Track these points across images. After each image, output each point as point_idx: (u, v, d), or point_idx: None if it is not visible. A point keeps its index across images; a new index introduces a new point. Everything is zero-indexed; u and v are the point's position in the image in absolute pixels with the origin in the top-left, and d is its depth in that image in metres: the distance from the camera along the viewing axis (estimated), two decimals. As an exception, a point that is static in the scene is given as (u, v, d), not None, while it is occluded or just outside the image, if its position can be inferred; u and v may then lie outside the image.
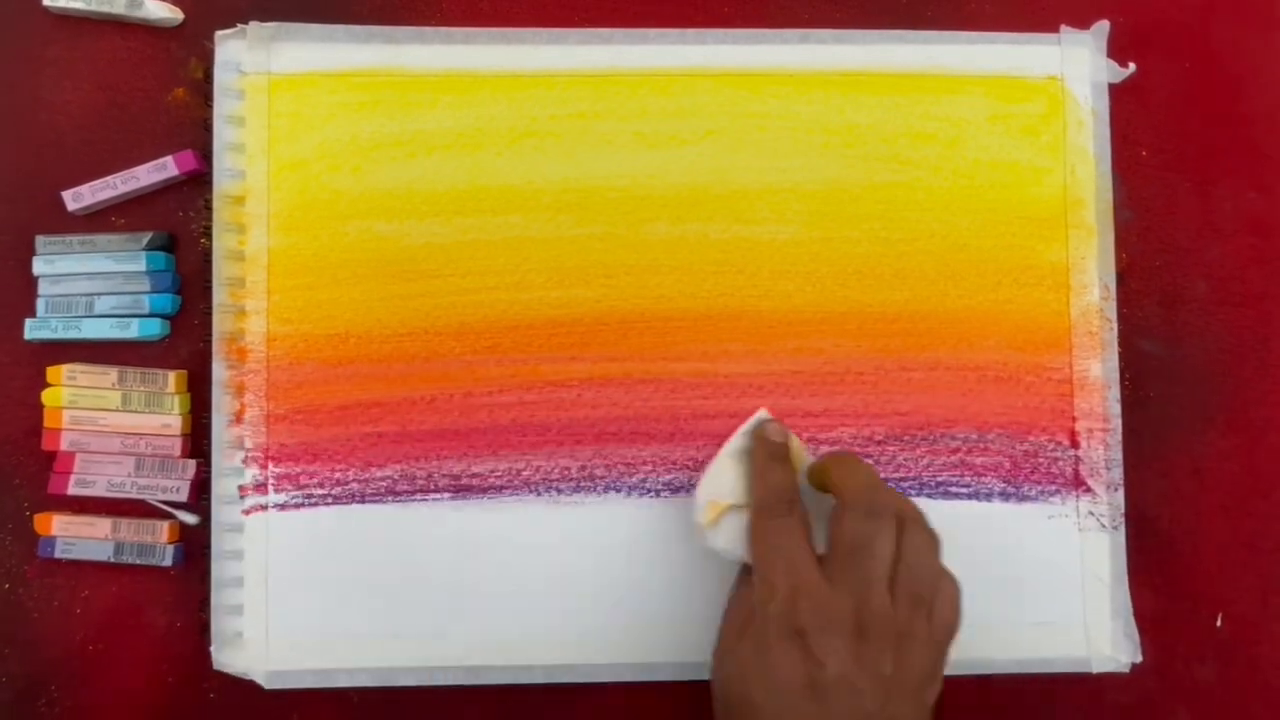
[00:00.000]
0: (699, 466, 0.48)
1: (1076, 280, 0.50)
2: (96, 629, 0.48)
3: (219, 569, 0.48)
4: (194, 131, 0.49)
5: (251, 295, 0.48)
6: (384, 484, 0.48)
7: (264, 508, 0.48)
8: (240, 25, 0.49)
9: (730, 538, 0.45)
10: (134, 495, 0.48)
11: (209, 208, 0.49)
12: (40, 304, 0.48)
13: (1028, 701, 0.49)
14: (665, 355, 0.49)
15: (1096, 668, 0.49)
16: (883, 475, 0.49)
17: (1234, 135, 0.52)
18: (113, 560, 0.48)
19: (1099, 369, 0.50)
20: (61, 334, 0.48)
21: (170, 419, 0.48)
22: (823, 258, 0.49)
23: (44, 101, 0.49)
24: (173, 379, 0.48)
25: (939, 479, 0.49)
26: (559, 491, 0.48)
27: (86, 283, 0.48)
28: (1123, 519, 0.50)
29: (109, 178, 0.48)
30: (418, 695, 0.48)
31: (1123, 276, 0.51)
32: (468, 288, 0.49)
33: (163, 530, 0.48)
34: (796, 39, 0.50)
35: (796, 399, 0.49)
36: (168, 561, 0.48)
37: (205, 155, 0.49)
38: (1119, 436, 0.50)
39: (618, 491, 0.48)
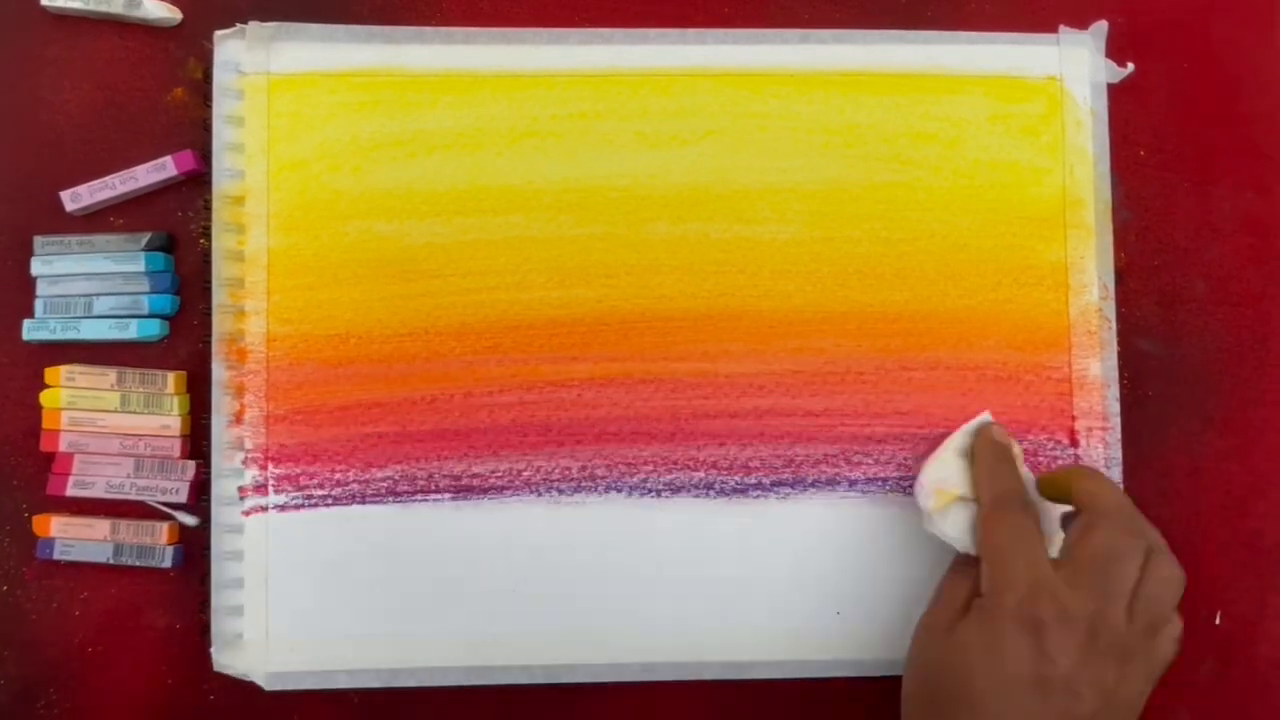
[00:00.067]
0: (700, 466, 0.48)
1: (1075, 280, 0.50)
2: (96, 631, 0.48)
3: (219, 570, 0.47)
4: (193, 131, 0.49)
5: (251, 295, 0.48)
6: (384, 485, 0.48)
7: (264, 509, 0.48)
8: (239, 25, 0.49)
9: (957, 526, 0.45)
10: (133, 496, 0.48)
11: (208, 208, 0.48)
12: (38, 305, 0.48)
13: (1028, 701, 0.50)
14: (666, 355, 0.49)
15: (1097, 667, 0.49)
16: (884, 475, 0.49)
17: (1232, 135, 0.52)
18: (112, 562, 0.47)
19: (1098, 368, 0.50)
20: (60, 335, 0.48)
21: (169, 420, 0.48)
22: (823, 258, 0.49)
23: (42, 101, 0.49)
24: (172, 380, 0.48)
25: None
26: (560, 492, 0.48)
27: (85, 283, 0.48)
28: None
29: (108, 178, 0.48)
30: (418, 696, 0.48)
31: (1121, 276, 0.51)
32: (468, 288, 0.49)
33: (162, 531, 0.48)
34: (796, 39, 0.50)
35: (797, 399, 0.49)
36: (167, 563, 0.48)
37: (204, 155, 0.49)
38: (1118, 435, 0.50)
39: (619, 491, 0.48)
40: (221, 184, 0.48)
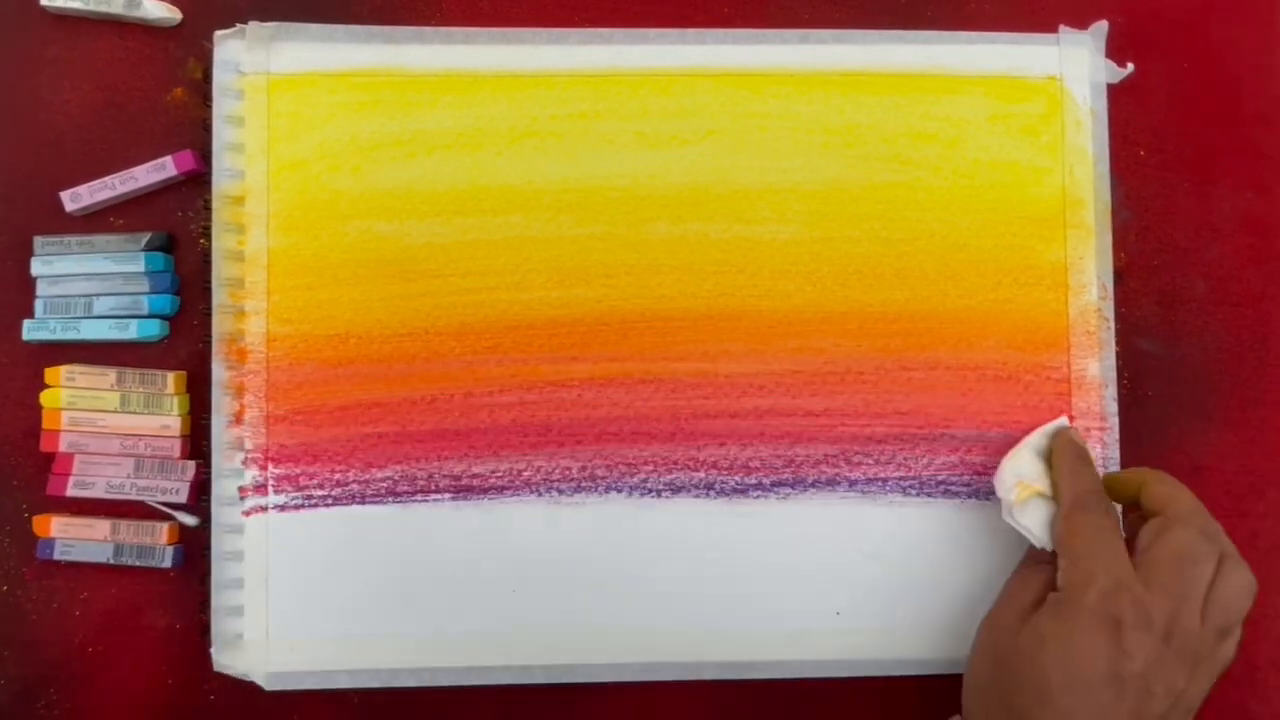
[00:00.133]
0: (700, 466, 0.48)
1: (1075, 280, 0.50)
2: (96, 631, 0.48)
3: (219, 570, 0.47)
4: (193, 131, 0.49)
5: (251, 296, 0.48)
6: (384, 485, 0.48)
7: (264, 509, 0.48)
8: (239, 25, 0.49)
9: (1036, 521, 0.46)
10: (133, 497, 0.48)
11: (208, 208, 0.48)
12: (38, 305, 0.48)
13: (1028, 700, 0.50)
14: (666, 355, 0.49)
15: (1096, 666, 0.49)
16: (884, 475, 0.49)
17: (1232, 135, 0.52)
18: (112, 562, 0.47)
19: (1097, 368, 0.50)
20: (60, 335, 0.48)
21: (169, 420, 0.48)
22: (823, 257, 0.49)
23: (42, 101, 0.49)
24: (172, 380, 0.48)
25: (939, 478, 0.49)
26: (560, 492, 0.48)
27: (85, 283, 0.48)
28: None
29: (107, 178, 0.48)
30: (418, 696, 0.48)
31: (1121, 276, 0.51)
32: (468, 288, 0.49)
33: (162, 532, 0.48)
34: (796, 39, 0.50)
35: (797, 399, 0.49)
36: (167, 563, 0.48)
37: (204, 155, 0.49)
38: (1116, 435, 0.50)
39: (619, 491, 0.48)
40: (221, 184, 0.48)
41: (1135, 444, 0.50)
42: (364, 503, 0.48)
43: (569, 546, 0.48)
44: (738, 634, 0.48)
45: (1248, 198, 0.52)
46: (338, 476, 0.48)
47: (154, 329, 0.48)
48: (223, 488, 0.48)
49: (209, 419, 0.48)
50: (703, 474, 0.48)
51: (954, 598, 0.48)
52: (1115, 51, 0.51)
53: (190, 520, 0.48)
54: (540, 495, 0.48)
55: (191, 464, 0.48)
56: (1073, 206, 0.50)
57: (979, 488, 0.49)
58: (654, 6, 0.51)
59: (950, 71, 0.50)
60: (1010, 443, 0.49)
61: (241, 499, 0.48)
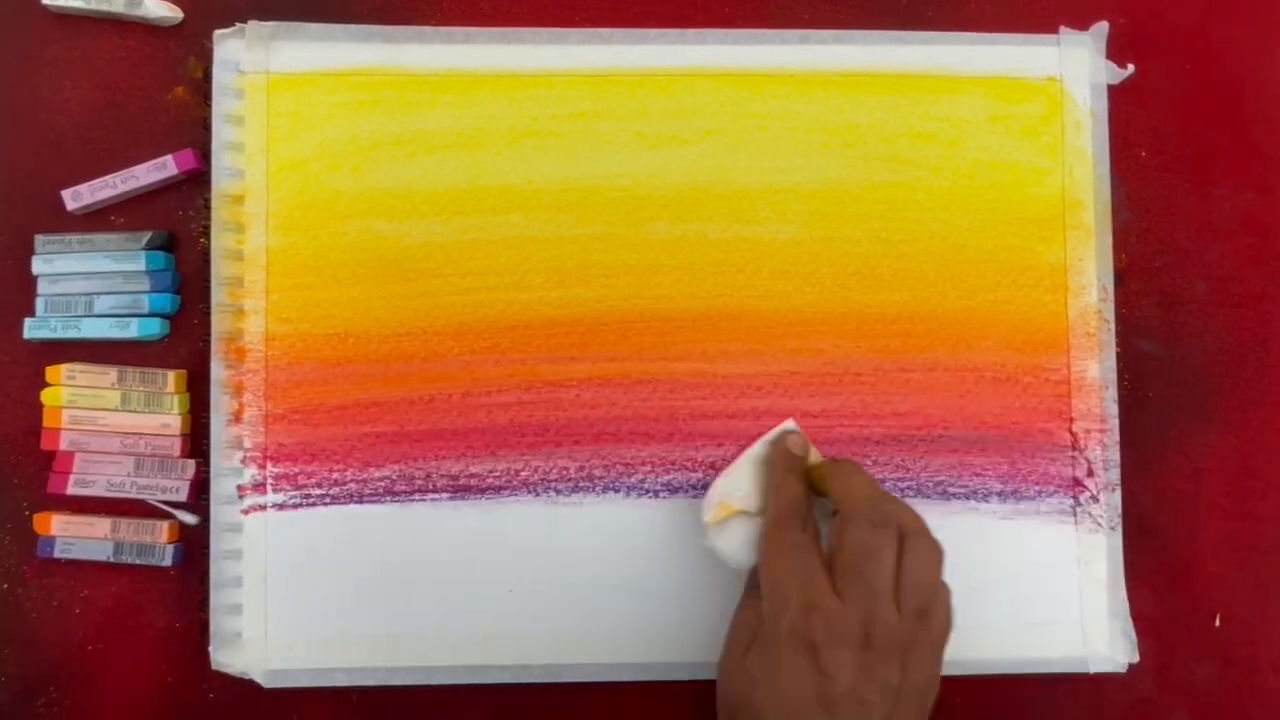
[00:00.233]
0: (697, 466, 0.48)
1: (1075, 281, 0.50)
2: (96, 629, 0.48)
3: (218, 569, 0.48)
4: (193, 131, 0.49)
5: (250, 295, 0.48)
6: (382, 484, 0.48)
7: (263, 508, 0.48)
8: (239, 24, 0.49)
9: (733, 542, 0.45)
10: (133, 495, 0.48)
11: (208, 207, 0.49)
12: (39, 303, 0.48)
13: (1026, 702, 0.50)
14: (664, 355, 0.49)
15: (1094, 668, 0.49)
16: (881, 476, 0.49)
17: (1233, 136, 0.52)
18: (112, 560, 0.48)
19: (1097, 370, 0.50)
20: (61, 333, 0.48)
21: (169, 419, 0.48)
22: (823, 258, 0.49)
23: (43, 101, 0.49)
24: (172, 379, 0.48)
25: (937, 479, 0.49)
26: (557, 492, 0.48)
27: (86, 282, 0.48)
28: (1120, 519, 0.50)
29: (108, 177, 0.48)
30: (417, 695, 0.48)
31: (1121, 277, 0.51)
32: (467, 288, 0.49)
33: (162, 530, 0.48)
34: (796, 39, 0.50)
35: (795, 399, 0.49)
36: (167, 561, 0.48)
37: (204, 154, 0.49)
38: (1116, 437, 0.50)
39: (616, 492, 0.48)
40: (221, 183, 0.48)
41: (1135, 445, 0.50)
42: (362, 502, 0.48)
43: (566, 546, 0.48)
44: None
45: (1248, 198, 0.51)
46: (336, 475, 0.48)
47: (154, 328, 0.48)
48: (222, 486, 0.48)
49: (209, 418, 0.48)
50: (700, 474, 0.48)
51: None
52: (1115, 52, 0.51)
53: (190, 519, 0.48)
54: (538, 495, 0.48)
55: (191, 463, 0.48)
56: (1072, 207, 0.50)
57: (977, 489, 0.49)
58: (654, 6, 0.51)
59: (950, 72, 0.50)
60: (1009, 443, 0.49)
61: (240, 498, 0.48)
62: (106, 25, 0.50)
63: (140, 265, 0.48)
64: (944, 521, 0.48)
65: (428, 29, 0.50)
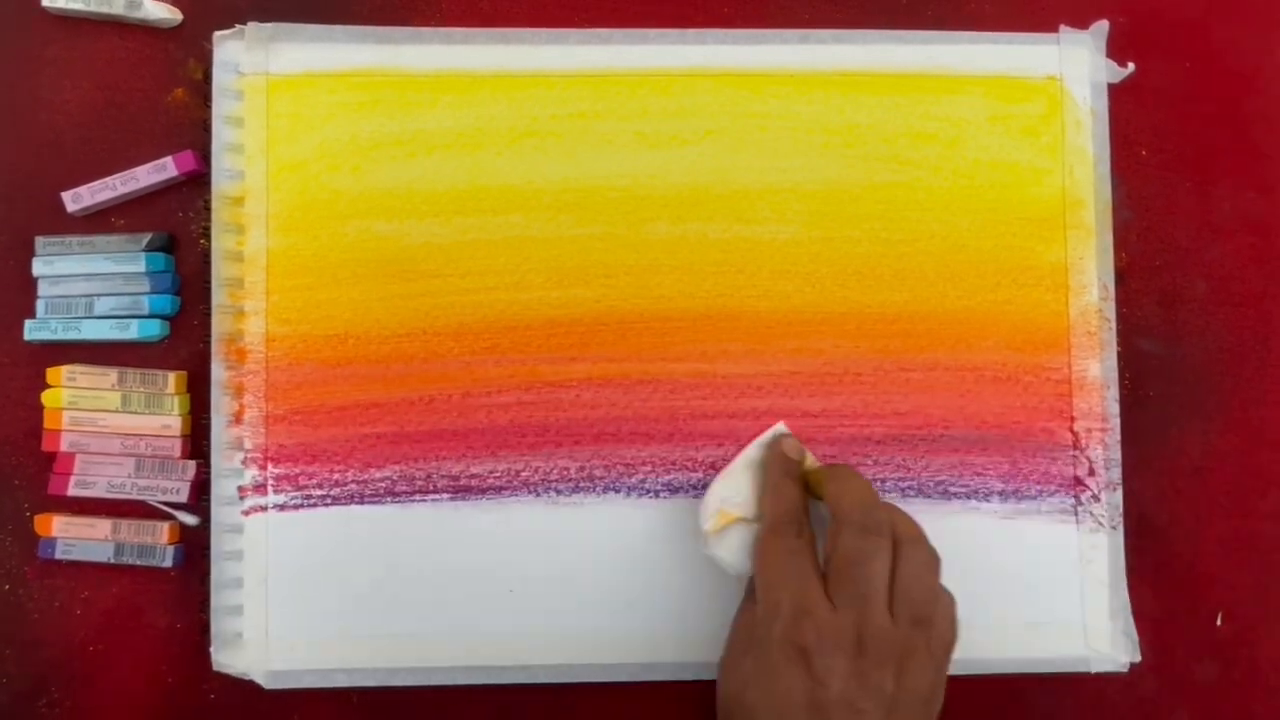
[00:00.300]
0: (698, 466, 0.48)
1: (1075, 280, 0.50)
2: (97, 630, 0.48)
3: (219, 570, 0.48)
4: (193, 132, 0.49)
5: (250, 296, 0.48)
6: (383, 485, 0.48)
7: (263, 509, 0.48)
8: (239, 26, 0.49)
9: (732, 549, 0.45)
10: (134, 496, 0.48)
11: (208, 208, 0.49)
12: (40, 305, 0.48)
13: (1027, 701, 0.50)
14: (665, 355, 0.49)
15: (1095, 667, 0.49)
16: (882, 476, 0.49)
17: (1233, 135, 0.52)
18: (113, 561, 0.48)
19: (1098, 369, 0.50)
20: (61, 335, 0.48)
21: (170, 420, 0.48)
22: (823, 258, 0.49)
23: (43, 102, 0.49)
24: (172, 380, 0.48)
25: (938, 479, 0.49)
26: (558, 492, 0.48)
27: (86, 284, 0.48)
28: (1121, 519, 0.50)
29: (108, 178, 0.48)
30: (417, 695, 0.48)
31: (1122, 276, 0.51)
32: (467, 288, 0.49)
33: (163, 531, 0.48)
34: (796, 39, 0.50)
35: (795, 399, 0.49)
36: (168, 562, 0.48)
37: (204, 156, 0.49)
38: (1118, 436, 0.50)
39: (617, 492, 0.48)
40: (221, 184, 0.48)
41: (1136, 445, 0.50)
42: (362, 502, 0.48)
43: (567, 546, 0.48)
44: (736, 634, 0.48)
45: (1248, 198, 0.51)
46: (336, 476, 0.48)
47: (154, 329, 0.48)
48: (222, 487, 0.48)
49: (209, 419, 0.48)
50: (701, 474, 0.48)
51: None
52: (1116, 51, 0.51)
53: (190, 520, 0.48)
54: (538, 495, 0.48)
55: (192, 464, 0.48)
56: (1073, 207, 0.50)
57: (978, 489, 0.49)
58: (654, 6, 0.51)
59: (950, 71, 0.50)
60: (1009, 443, 0.49)
61: (241, 499, 0.48)
62: (106, 27, 0.50)
63: (140, 267, 0.48)
64: (945, 521, 0.49)
65: (427, 30, 0.50)
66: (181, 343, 0.49)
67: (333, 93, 0.49)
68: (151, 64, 0.50)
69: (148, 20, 0.49)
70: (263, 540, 0.48)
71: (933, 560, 0.41)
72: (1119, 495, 0.50)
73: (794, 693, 0.39)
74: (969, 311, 0.49)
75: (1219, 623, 0.50)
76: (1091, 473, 0.49)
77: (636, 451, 0.48)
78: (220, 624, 0.47)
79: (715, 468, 0.48)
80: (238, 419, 0.48)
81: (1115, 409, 0.50)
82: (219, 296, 0.48)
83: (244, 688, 0.48)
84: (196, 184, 0.49)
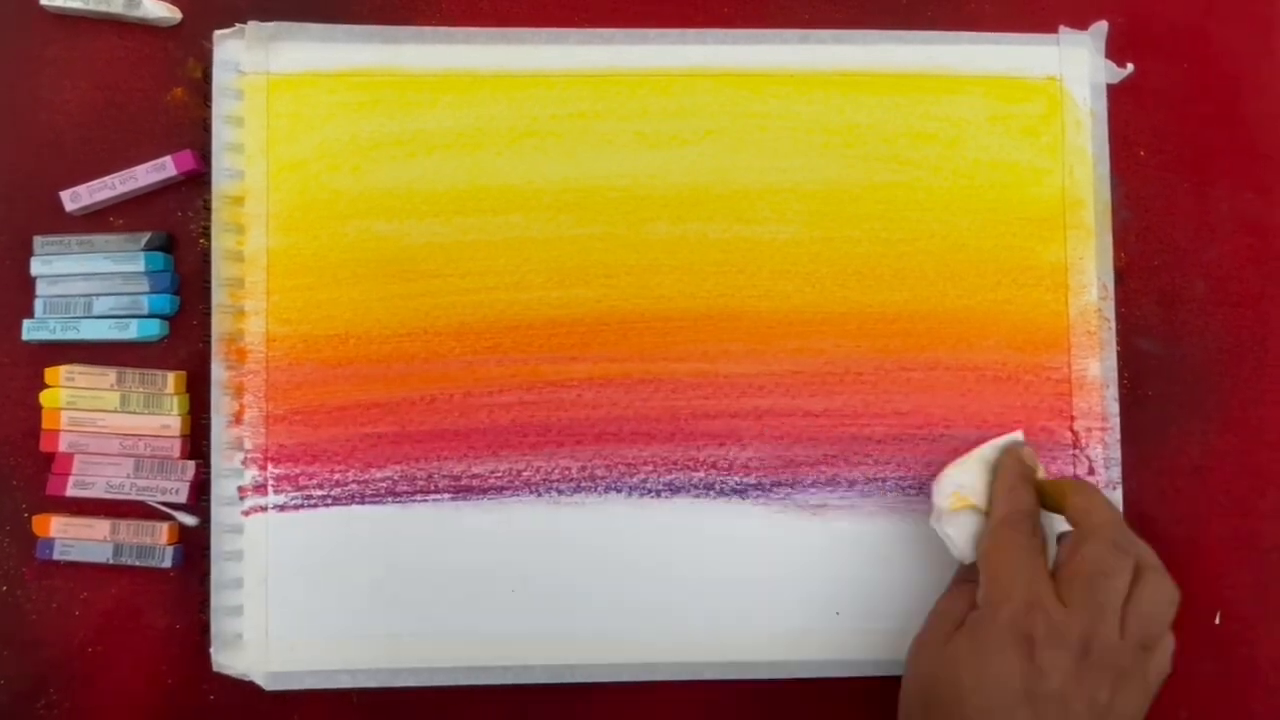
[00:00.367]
0: (699, 466, 0.48)
1: (1075, 280, 0.50)
2: (96, 631, 0.48)
3: (218, 570, 0.47)
4: (193, 131, 0.49)
5: (250, 296, 0.48)
6: (384, 485, 0.48)
7: (263, 509, 0.48)
8: (239, 25, 0.49)
9: (962, 533, 0.46)
10: (133, 496, 0.48)
11: (208, 208, 0.48)
12: (38, 305, 0.48)
13: (1027, 701, 0.50)
14: (665, 355, 0.49)
15: (1096, 667, 0.49)
16: (882, 476, 0.49)
17: (1232, 136, 0.52)
18: (112, 562, 0.47)
19: (1097, 368, 0.50)
20: (60, 335, 0.48)
21: (169, 420, 0.48)
22: (823, 258, 0.49)
23: (42, 101, 0.49)
24: (172, 380, 0.48)
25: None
26: (559, 492, 0.48)
27: (85, 283, 0.48)
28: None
29: (107, 178, 0.48)
30: (418, 696, 0.48)
31: (1121, 276, 0.51)
32: (468, 288, 0.49)
33: (162, 532, 0.48)
34: (796, 39, 0.50)
35: (796, 399, 0.49)
36: (167, 563, 0.48)
37: (204, 155, 0.49)
38: (1117, 436, 0.50)
39: (618, 492, 0.48)
40: (221, 184, 0.48)
41: (1136, 444, 0.50)
42: (363, 503, 0.48)
43: (568, 547, 0.48)
44: (737, 634, 0.48)
45: (1247, 198, 0.51)
46: (337, 476, 0.48)
47: (154, 329, 0.48)
48: (222, 488, 0.48)
49: (209, 419, 0.48)
50: (702, 474, 0.48)
51: (954, 598, 0.48)
52: (1115, 52, 0.51)
53: (190, 520, 0.48)
54: (540, 495, 0.48)
55: (191, 464, 0.48)
56: (1072, 207, 0.50)
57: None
58: (654, 6, 0.51)
59: (950, 72, 0.50)
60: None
61: (241, 499, 0.48)
62: (106, 26, 0.50)
63: (139, 266, 0.48)
64: (945, 521, 0.49)
65: (427, 29, 0.50)
66: (181, 343, 0.49)
67: (333, 92, 0.49)
68: (151, 63, 0.50)
69: (147, 19, 0.49)
70: (263, 540, 0.48)
71: (1174, 594, 0.42)
72: (1118, 494, 0.50)
73: (1012, 678, 0.39)
74: (969, 311, 0.49)
75: (1218, 622, 0.50)
76: (1091, 472, 0.50)
77: (638, 451, 0.48)
78: (220, 625, 0.47)
79: (716, 466, 0.48)
80: (238, 419, 0.48)
81: (1115, 408, 0.50)
82: (219, 296, 0.48)
83: (244, 688, 0.47)
84: (196, 183, 0.49)
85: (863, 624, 0.49)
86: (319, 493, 0.48)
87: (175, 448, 0.48)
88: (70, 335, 0.48)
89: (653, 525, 0.48)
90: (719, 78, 0.50)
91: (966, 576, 0.45)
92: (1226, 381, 0.51)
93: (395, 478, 0.48)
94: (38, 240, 0.48)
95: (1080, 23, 0.51)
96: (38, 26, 0.49)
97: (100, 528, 0.47)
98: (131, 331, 0.48)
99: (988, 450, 0.47)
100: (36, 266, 0.48)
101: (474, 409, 0.48)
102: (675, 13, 0.51)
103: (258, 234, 0.48)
